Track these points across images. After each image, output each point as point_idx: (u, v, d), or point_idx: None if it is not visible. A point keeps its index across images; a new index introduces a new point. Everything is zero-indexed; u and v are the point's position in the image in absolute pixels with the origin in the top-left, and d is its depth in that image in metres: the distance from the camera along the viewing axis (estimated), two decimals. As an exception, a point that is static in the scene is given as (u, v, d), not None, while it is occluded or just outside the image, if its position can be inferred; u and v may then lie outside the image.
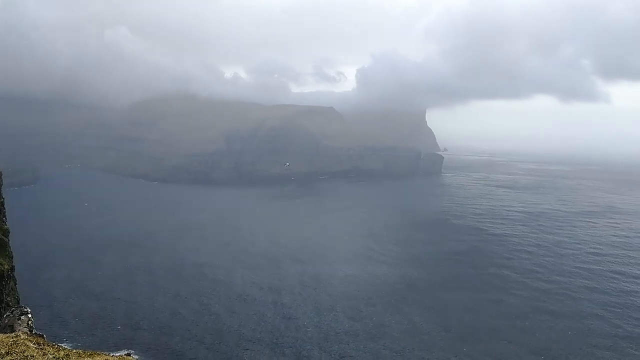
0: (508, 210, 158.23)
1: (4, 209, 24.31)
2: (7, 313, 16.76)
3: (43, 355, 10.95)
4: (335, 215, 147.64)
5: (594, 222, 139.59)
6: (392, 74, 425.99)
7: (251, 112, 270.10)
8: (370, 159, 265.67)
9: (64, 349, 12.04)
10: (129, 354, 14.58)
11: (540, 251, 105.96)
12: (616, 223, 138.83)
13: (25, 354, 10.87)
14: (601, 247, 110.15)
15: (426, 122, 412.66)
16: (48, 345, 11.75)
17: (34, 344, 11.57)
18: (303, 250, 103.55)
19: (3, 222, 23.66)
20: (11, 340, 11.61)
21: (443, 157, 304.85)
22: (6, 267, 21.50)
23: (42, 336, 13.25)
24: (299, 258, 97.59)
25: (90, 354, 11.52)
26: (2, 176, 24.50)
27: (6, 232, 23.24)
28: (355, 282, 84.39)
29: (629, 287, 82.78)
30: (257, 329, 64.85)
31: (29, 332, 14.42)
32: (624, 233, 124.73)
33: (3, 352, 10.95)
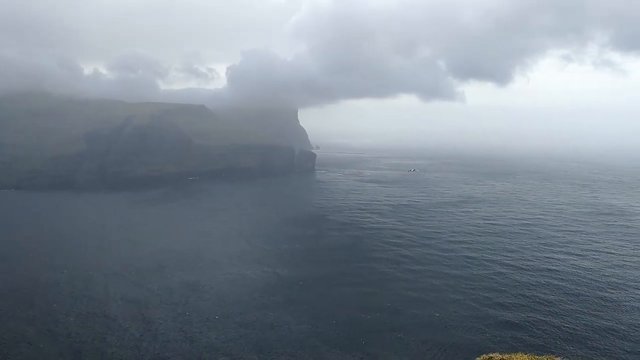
0: (377, 204, 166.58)
1: None
2: None
3: None
4: (213, 217, 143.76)
5: (451, 212, 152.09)
6: (262, 72, 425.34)
7: (115, 110, 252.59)
8: (245, 157, 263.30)
9: None
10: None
11: (406, 242, 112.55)
12: (469, 211, 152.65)
13: None
14: (456, 234, 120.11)
15: (298, 120, 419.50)
16: None
17: None
18: (180, 256, 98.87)
19: None
20: None
21: (316, 155, 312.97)
22: None
23: None
24: (176, 265, 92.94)
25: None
26: None
27: None
28: (239, 285, 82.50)
29: (479, 271, 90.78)
30: (121, 344, 60.29)
31: None
32: (476, 221, 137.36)
33: None
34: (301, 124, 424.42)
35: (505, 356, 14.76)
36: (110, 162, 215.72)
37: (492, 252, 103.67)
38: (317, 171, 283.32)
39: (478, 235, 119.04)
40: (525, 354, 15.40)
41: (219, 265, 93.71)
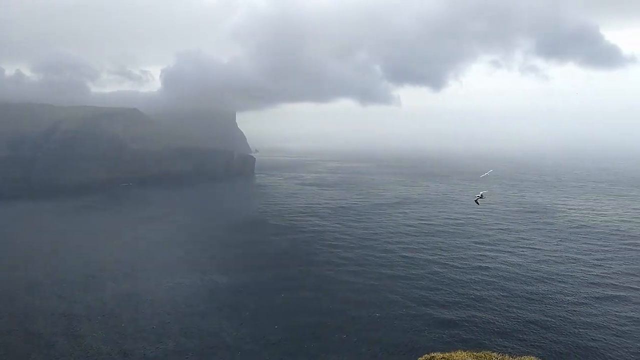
0: (317, 207, 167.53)
1: None
2: None
3: None
4: (149, 224, 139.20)
5: (389, 213, 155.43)
6: (198, 74, 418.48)
7: (41, 114, 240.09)
8: (182, 162, 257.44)
9: None
10: None
11: (345, 244, 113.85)
12: (405, 212, 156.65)
13: None
14: (393, 235, 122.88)
15: (236, 124, 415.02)
16: None
17: None
18: (113, 266, 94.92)
19: None
20: None
21: (255, 159, 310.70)
22: None
23: None
24: (109, 276, 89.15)
25: None
26: None
27: None
28: (176, 294, 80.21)
29: (416, 271, 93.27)
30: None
31: None
32: (412, 222, 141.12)
33: None
34: (239, 127, 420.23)
35: (446, 355, 15.21)
36: (37, 169, 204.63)
37: (428, 251, 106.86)
38: (257, 175, 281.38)
39: (414, 236, 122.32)
40: (465, 351, 15.92)
41: (156, 274, 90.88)
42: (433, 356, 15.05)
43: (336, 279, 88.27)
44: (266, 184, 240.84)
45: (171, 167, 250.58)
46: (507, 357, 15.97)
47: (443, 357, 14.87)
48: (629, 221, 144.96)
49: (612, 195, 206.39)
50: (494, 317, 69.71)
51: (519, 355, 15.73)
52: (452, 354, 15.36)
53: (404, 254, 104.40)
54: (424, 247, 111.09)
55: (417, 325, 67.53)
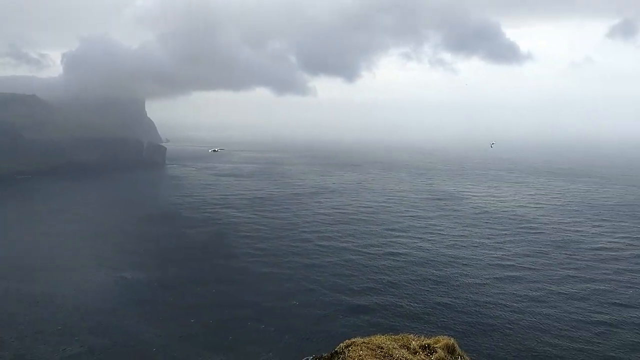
0: (233, 198, 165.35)
1: None
2: None
3: None
4: (52, 219, 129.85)
5: (305, 202, 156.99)
6: (104, 59, 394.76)
7: None
8: (87, 151, 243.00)
9: None
10: None
11: (262, 234, 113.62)
12: (320, 202, 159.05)
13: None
14: (309, 224, 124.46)
15: (146, 112, 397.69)
16: None
17: None
18: (11, 265, 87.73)
19: None
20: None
21: (166, 148, 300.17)
22: None
23: None
24: (6, 276, 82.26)
25: None
26: None
27: None
28: (85, 292, 75.62)
29: (332, 259, 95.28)
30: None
31: None
32: (327, 211, 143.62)
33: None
34: (149, 115, 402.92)
35: (366, 339, 15.78)
36: None
37: (342, 239, 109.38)
38: (168, 165, 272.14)
39: (329, 225, 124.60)
40: (384, 335, 16.57)
41: (61, 272, 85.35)
42: (354, 341, 15.61)
43: (253, 271, 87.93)
44: (179, 175, 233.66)
45: (75, 157, 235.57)
46: (423, 337, 16.79)
47: (364, 342, 15.43)
48: (525, 206, 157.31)
49: (510, 182, 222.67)
50: (406, 301, 72.96)
51: (434, 336, 16.63)
52: (372, 338, 15.96)
53: (320, 243, 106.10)
54: (339, 235, 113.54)
55: (333, 313, 69.08)
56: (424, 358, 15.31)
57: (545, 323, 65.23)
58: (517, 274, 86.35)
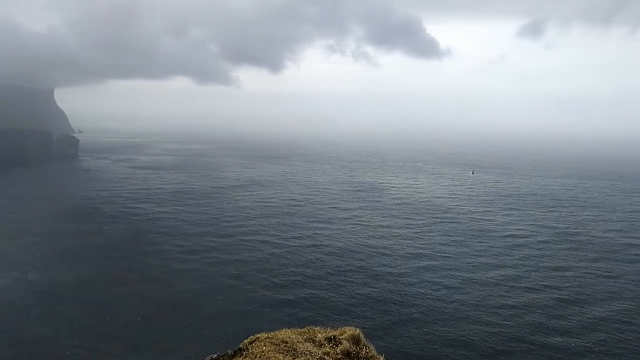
0: (153, 191, 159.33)
1: None
2: None
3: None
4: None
5: (228, 195, 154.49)
6: (6, 44, 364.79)
7: None
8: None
9: None
10: None
11: (184, 230, 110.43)
12: (244, 195, 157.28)
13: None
14: (233, 218, 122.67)
15: (55, 101, 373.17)
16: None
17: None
18: None
19: None
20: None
21: (79, 140, 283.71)
22: None
23: None
24: None
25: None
26: None
27: None
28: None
29: (255, 254, 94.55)
30: None
31: None
32: (251, 204, 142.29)
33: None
34: (59, 105, 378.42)
35: (271, 334, 15.60)
36: None
37: (266, 233, 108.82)
38: (82, 158, 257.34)
39: (253, 218, 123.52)
40: (289, 329, 16.40)
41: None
42: (258, 337, 15.46)
43: (174, 268, 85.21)
44: (94, 168, 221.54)
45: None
46: (329, 329, 16.89)
47: (268, 337, 15.27)
48: (441, 197, 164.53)
49: (427, 173, 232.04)
50: (330, 293, 73.90)
51: (340, 328, 16.84)
52: (277, 332, 15.85)
53: (243, 237, 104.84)
54: (263, 229, 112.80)
55: (258, 308, 68.54)
56: (328, 350, 15.23)
57: (460, 309, 68.60)
58: (435, 262, 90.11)
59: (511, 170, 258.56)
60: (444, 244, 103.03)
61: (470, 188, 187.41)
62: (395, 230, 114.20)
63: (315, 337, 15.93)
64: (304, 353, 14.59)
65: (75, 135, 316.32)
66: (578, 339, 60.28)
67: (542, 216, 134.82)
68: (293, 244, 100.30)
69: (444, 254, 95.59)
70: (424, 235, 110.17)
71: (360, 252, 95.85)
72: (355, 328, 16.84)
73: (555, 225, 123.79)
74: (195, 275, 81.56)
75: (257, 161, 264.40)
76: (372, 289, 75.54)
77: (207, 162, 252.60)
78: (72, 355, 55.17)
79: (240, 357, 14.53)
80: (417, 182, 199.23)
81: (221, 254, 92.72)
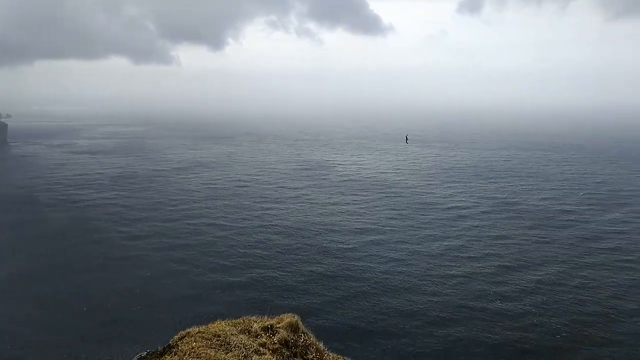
0: (93, 177, 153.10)
1: None
2: None
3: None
4: None
5: (172, 178, 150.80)
6: None
7: None
8: None
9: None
10: None
11: (127, 216, 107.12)
12: (189, 177, 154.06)
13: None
14: (178, 201, 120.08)
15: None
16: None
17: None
18: None
19: None
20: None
21: (7, 125, 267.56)
22: None
23: None
24: None
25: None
26: None
27: None
28: None
29: (203, 237, 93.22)
30: None
31: None
32: (196, 186, 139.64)
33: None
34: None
35: (202, 328, 14.97)
36: None
37: (213, 216, 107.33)
38: (12, 144, 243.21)
39: (199, 201, 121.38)
40: (223, 321, 15.84)
41: None
42: (189, 332, 14.71)
43: (120, 255, 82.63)
44: (26, 154, 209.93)
45: None
46: (266, 318, 16.44)
47: (199, 332, 14.45)
48: (385, 172, 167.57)
49: (372, 149, 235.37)
50: (279, 272, 74.09)
51: (277, 316, 16.53)
52: (209, 326, 15.28)
53: (189, 221, 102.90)
54: (209, 211, 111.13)
55: (206, 291, 67.80)
56: (265, 341, 14.77)
57: (407, 280, 70.66)
58: (382, 236, 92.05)
59: (452, 143, 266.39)
60: (390, 218, 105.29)
61: (414, 162, 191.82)
62: (343, 207, 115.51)
63: (251, 327, 15.35)
64: (238, 346, 13.85)
65: (3, 120, 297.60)
66: (517, 302, 63.60)
67: (482, 187, 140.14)
68: (241, 225, 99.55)
69: (390, 228, 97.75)
70: (370, 211, 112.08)
71: (309, 229, 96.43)
72: (293, 315, 16.33)
73: (494, 195, 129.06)
74: (142, 261, 79.55)
75: (201, 142, 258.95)
76: (321, 266, 76.37)
77: (148, 145, 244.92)
78: (16, 349, 52.81)
79: (169, 354, 13.62)
80: (362, 159, 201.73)
81: (167, 239, 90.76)
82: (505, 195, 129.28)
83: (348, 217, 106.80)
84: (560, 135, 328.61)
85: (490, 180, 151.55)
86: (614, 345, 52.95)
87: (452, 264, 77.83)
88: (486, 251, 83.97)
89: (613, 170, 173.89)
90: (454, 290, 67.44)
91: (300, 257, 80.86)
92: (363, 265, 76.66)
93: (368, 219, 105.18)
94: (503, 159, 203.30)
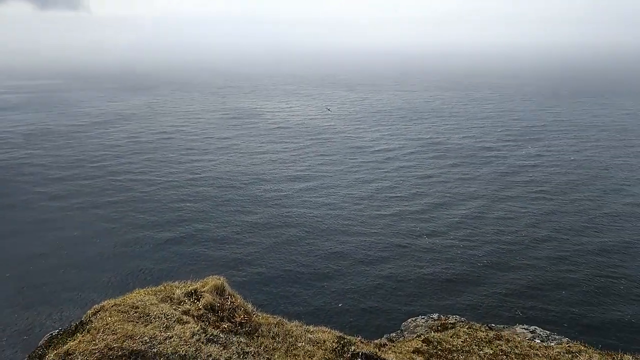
0: (4, 134, 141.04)
1: None
2: None
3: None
4: None
5: (91, 133, 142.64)
6: None
7: None
8: None
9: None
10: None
11: (44, 176, 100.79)
12: (108, 131, 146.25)
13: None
14: (99, 158, 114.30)
15: None
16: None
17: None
18: None
19: None
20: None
21: None
22: None
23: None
24: None
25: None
26: None
27: None
28: None
29: (129, 193, 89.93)
30: None
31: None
32: (118, 141, 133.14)
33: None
34: None
35: (119, 300, 14.01)
36: None
37: (138, 171, 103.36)
38: None
39: (122, 156, 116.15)
40: (143, 289, 15.02)
41: None
42: (103, 305, 13.60)
43: (41, 218, 78.07)
44: None
45: None
46: (189, 283, 15.53)
47: (115, 305, 13.29)
48: (314, 118, 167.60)
49: (299, 95, 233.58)
50: (212, 224, 73.40)
51: (201, 280, 15.83)
52: (126, 297, 14.19)
53: (113, 178, 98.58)
54: (134, 166, 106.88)
55: (138, 248, 66.16)
56: (189, 307, 13.90)
57: (340, 223, 72.46)
58: (314, 182, 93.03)
59: (377, 86, 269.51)
60: (321, 164, 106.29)
61: (341, 107, 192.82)
62: (274, 155, 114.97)
63: (174, 294, 14.39)
64: (158, 317, 12.82)
65: None
66: (443, 237, 67.30)
67: (408, 129, 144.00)
68: (169, 179, 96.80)
69: (321, 174, 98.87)
70: (301, 157, 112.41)
71: (240, 180, 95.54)
72: (218, 277, 15.49)
73: (419, 136, 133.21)
74: (66, 222, 75.82)
75: (120, 93, 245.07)
76: (255, 215, 76.43)
77: (62, 98, 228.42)
78: None
79: (81, 333, 12.45)
80: (289, 105, 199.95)
81: (91, 198, 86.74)
82: (429, 136, 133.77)
83: (279, 165, 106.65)
84: (480, 74, 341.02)
85: (415, 122, 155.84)
86: (528, 269, 57.77)
87: (381, 204, 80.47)
88: (413, 190, 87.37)
89: (526, 107, 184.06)
90: (384, 230, 70.09)
91: (233, 208, 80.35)
92: (296, 212, 77.52)
93: (300, 165, 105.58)
94: (426, 100, 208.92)
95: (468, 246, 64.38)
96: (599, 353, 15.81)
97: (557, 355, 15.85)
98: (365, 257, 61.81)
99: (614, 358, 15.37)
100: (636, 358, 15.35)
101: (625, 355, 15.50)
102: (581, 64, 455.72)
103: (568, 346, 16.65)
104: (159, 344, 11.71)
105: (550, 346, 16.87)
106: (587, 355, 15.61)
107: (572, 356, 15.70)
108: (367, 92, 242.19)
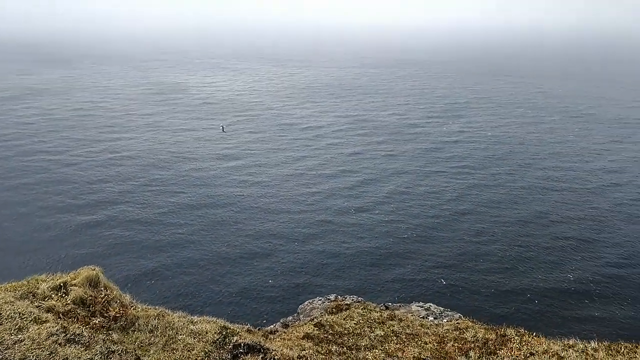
0: None
1: None
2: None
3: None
4: None
5: (12, 107, 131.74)
6: None
7: None
8: None
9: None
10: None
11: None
12: (18, 108, 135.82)
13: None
14: (6, 137, 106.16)
15: None
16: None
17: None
18: None
19: None
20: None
21: None
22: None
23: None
24: None
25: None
26: None
27: None
28: None
29: (43, 175, 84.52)
30: None
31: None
32: (30, 119, 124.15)
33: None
34: None
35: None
36: None
37: (55, 150, 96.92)
38: None
39: (35, 135, 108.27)
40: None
41: None
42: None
43: None
44: None
45: None
46: (58, 275, 13.66)
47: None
48: (242, 93, 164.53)
49: (227, 70, 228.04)
50: (137, 206, 70.53)
51: (73, 271, 14.44)
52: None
53: (26, 158, 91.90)
54: (50, 146, 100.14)
55: (58, 233, 62.39)
56: (55, 303, 12.56)
57: (270, 202, 72.06)
58: (242, 161, 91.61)
59: (305, 61, 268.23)
60: (249, 142, 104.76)
61: (269, 82, 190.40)
62: (200, 132, 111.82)
63: (38, 289, 13.00)
64: (11, 317, 11.34)
65: None
66: (371, 213, 68.80)
67: (336, 106, 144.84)
68: (87, 159, 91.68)
69: (250, 152, 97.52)
70: (229, 135, 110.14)
71: (165, 158, 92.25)
72: (92, 268, 14.09)
73: (347, 113, 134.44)
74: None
75: (35, 66, 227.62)
76: (181, 196, 74.28)
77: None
78: None
79: None
80: (215, 80, 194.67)
81: (2, 182, 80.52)
82: (356, 113, 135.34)
83: (206, 142, 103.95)
84: (405, 51, 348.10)
85: (343, 99, 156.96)
86: (450, 241, 60.51)
87: (311, 182, 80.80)
88: (342, 167, 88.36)
89: (449, 84, 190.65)
90: (314, 207, 70.55)
91: (157, 188, 77.58)
92: (225, 192, 76.17)
93: (227, 143, 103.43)
94: (353, 77, 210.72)
95: (394, 220, 66.27)
96: (485, 328, 16.88)
97: (445, 333, 16.72)
98: (295, 234, 62.00)
99: (497, 332, 16.45)
100: (518, 330, 16.42)
101: (508, 329, 16.62)
102: (504, 47, 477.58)
103: (457, 323, 17.61)
104: (5, 349, 10.32)
105: (440, 324, 17.74)
106: (473, 331, 16.61)
107: (460, 332, 16.66)
108: (293, 68, 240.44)
